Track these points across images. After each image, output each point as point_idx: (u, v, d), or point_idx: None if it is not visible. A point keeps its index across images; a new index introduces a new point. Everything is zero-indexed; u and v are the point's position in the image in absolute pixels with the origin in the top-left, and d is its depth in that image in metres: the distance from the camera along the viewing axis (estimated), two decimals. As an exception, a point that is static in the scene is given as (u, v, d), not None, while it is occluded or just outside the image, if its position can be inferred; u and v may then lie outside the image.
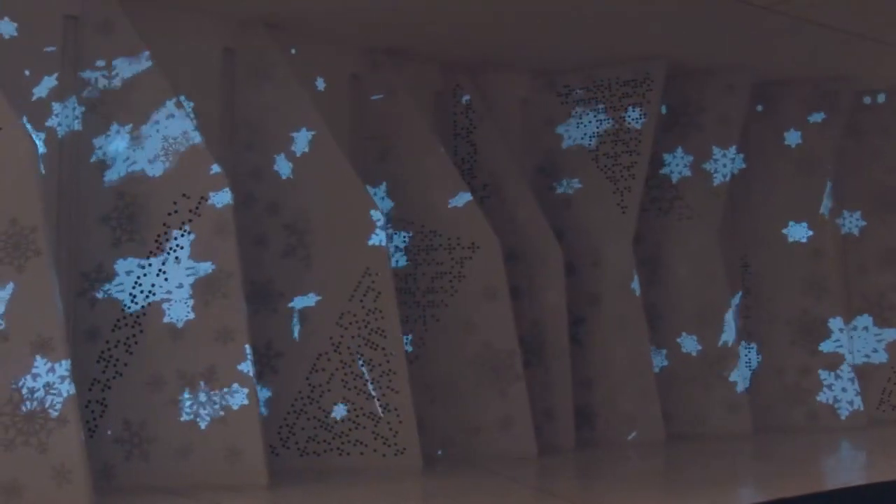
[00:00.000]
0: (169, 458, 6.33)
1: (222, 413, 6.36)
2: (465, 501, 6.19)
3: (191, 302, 6.44)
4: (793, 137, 9.57)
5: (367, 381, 7.10)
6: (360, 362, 7.01)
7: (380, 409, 7.02)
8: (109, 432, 6.34)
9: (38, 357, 5.66)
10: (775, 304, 9.50)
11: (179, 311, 6.43)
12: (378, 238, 7.18)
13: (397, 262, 7.91)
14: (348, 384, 7.15)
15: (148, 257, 6.47)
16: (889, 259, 9.86)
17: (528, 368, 8.07)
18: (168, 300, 6.44)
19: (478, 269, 7.91)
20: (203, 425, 6.36)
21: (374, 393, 7.03)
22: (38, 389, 5.65)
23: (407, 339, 7.71)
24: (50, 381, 5.66)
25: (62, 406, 5.65)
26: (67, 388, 5.67)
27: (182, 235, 6.48)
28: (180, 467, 6.33)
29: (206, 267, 6.45)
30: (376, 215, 7.20)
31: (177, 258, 6.46)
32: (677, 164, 9.14)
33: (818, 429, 9.21)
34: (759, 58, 8.80)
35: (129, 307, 6.44)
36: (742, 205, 9.60)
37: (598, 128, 8.82)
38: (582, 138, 8.88)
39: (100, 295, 6.47)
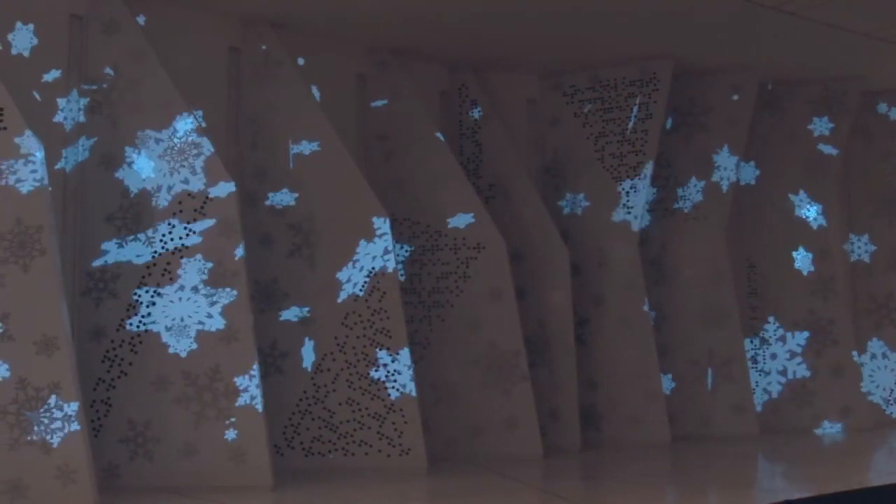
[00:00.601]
0: (173, 458, 6.32)
1: (227, 413, 6.34)
2: (470, 502, 6.17)
3: (196, 301, 6.42)
4: (799, 137, 9.54)
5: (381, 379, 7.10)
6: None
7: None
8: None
9: (42, 356, 5.66)
10: (781, 304, 9.47)
11: (184, 310, 6.42)
12: (383, 238, 7.18)
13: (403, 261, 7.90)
14: (353, 384, 7.14)
15: (153, 257, 6.46)
16: (896, 260, 9.84)
17: (534, 369, 8.05)
18: (172, 300, 6.43)
19: (483, 269, 7.89)
20: (208, 425, 6.34)
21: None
22: (43, 389, 5.65)
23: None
24: (54, 380, 5.65)
25: (67, 405, 5.65)
26: (72, 387, 5.66)
27: (187, 235, 6.47)
28: (185, 467, 6.32)
29: (210, 266, 6.44)
30: (381, 215, 7.19)
31: (181, 258, 6.45)
32: (682, 163, 9.12)
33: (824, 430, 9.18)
34: (766, 58, 8.77)
35: (134, 306, 6.43)
36: (748, 204, 9.56)
37: (603, 128, 8.80)
38: (587, 138, 8.85)
39: (104, 294, 6.46)
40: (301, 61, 7.53)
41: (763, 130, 9.55)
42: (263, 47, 7.31)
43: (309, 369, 7.12)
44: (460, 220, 7.92)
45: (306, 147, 7.28)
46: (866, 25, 8.00)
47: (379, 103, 8.07)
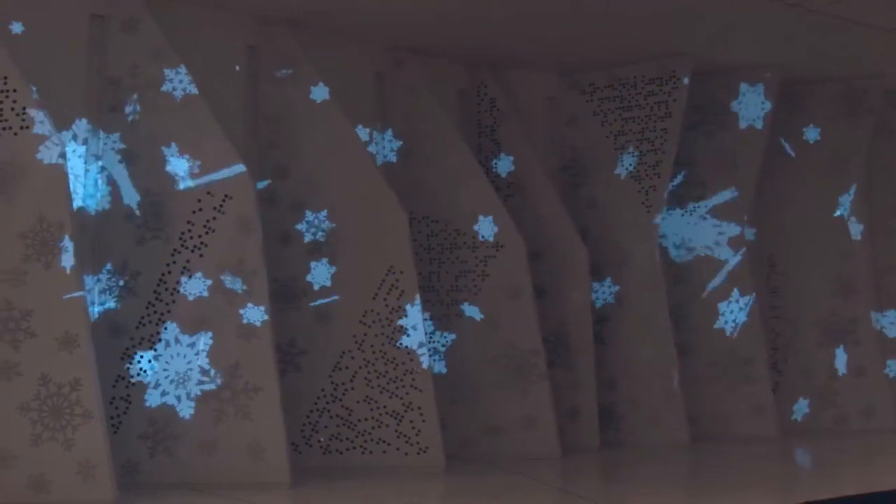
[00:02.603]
0: (192, 454, 6.35)
1: (246, 410, 6.37)
2: (488, 501, 6.16)
3: (215, 299, 6.45)
4: (821, 136, 9.45)
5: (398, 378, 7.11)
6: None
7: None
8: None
9: (64, 353, 5.70)
10: (802, 304, 9.40)
11: (203, 308, 6.44)
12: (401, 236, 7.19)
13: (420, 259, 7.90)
14: (371, 382, 7.15)
15: (172, 255, 6.49)
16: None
17: (552, 368, 8.03)
18: (192, 298, 6.46)
19: (502, 267, 7.88)
20: (226, 423, 6.37)
21: None
22: (65, 385, 5.69)
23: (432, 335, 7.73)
24: (76, 376, 5.70)
25: (87, 402, 5.69)
26: (92, 384, 5.70)
27: (206, 233, 6.49)
28: (203, 464, 6.35)
29: (230, 264, 6.46)
30: (399, 213, 7.20)
31: (201, 255, 6.48)
32: (700, 162, 9.08)
33: (846, 432, 9.09)
34: (787, 55, 8.70)
35: (154, 304, 6.47)
36: (769, 203, 9.49)
37: (622, 126, 8.76)
38: (606, 136, 8.82)
39: (124, 292, 6.50)
40: (319, 60, 7.52)
41: (784, 128, 9.47)
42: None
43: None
44: (479, 219, 7.91)
45: (325, 145, 7.28)
46: (889, 22, 7.91)
47: (398, 101, 8.06)
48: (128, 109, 6.64)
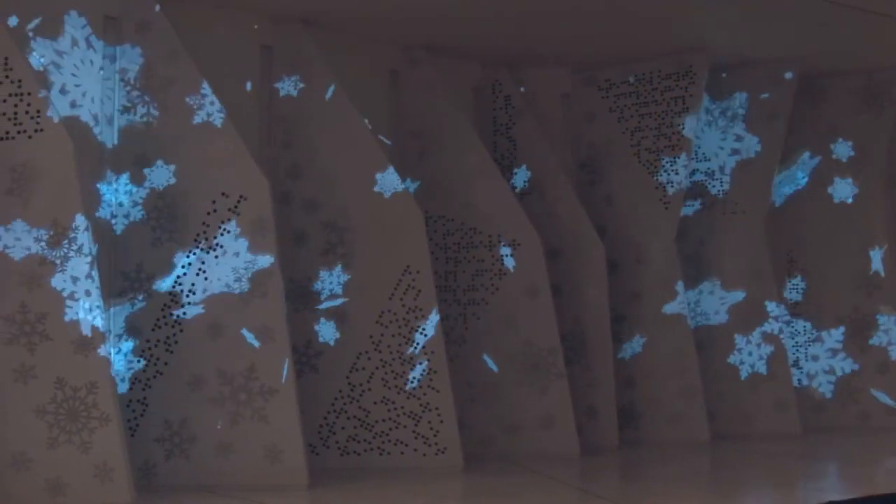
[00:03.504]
0: (209, 457, 6.34)
1: (262, 412, 6.35)
2: (507, 501, 6.12)
3: (230, 301, 6.43)
4: (842, 130, 9.34)
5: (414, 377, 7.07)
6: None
7: None
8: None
9: (80, 356, 5.70)
10: (823, 300, 9.29)
11: (219, 310, 6.43)
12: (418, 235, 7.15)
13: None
14: (388, 383, 7.12)
15: (188, 257, 6.48)
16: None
17: (570, 366, 7.99)
18: (207, 299, 6.44)
19: (519, 266, 7.83)
20: (243, 425, 6.35)
21: None
22: (81, 388, 5.69)
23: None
24: (91, 379, 5.69)
25: (104, 405, 5.68)
26: (108, 387, 5.70)
27: (221, 234, 6.48)
28: (220, 466, 6.34)
29: (245, 266, 6.45)
30: (415, 212, 7.16)
31: (216, 257, 6.47)
32: (720, 158, 9.00)
33: (870, 429, 8.99)
34: (806, 49, 8.60)
35: (169, 306, 6.46)
36: (789, 198, 9.40)
37: (639, 122, 8.69)
38: (623, 133, 8.75)
39: (140, 294, 6.50)
40: (334, 58, 7.49)
41: (805, 122, 9.36)
42: (295, 42, 7.27)
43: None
44: (496, 218, 7.86)
45: (340, 144, 7.27)
46: (910, 13, 7.81)
47: (413, 99, 8.02)
48: (142, 111, 6.63)
